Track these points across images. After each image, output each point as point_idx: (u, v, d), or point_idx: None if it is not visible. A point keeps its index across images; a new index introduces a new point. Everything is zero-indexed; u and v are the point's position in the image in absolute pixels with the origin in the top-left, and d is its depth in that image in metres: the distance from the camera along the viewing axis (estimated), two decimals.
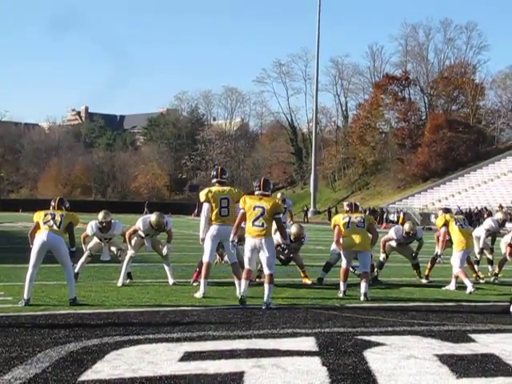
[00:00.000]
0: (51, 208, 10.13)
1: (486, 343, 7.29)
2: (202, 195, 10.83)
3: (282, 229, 10.59)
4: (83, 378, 5.59)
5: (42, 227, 9.77)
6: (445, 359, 6.41)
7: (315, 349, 6.81)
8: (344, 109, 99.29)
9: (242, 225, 10.65)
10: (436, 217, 13.75)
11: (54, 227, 9.72)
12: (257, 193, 10.34)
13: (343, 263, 11.39)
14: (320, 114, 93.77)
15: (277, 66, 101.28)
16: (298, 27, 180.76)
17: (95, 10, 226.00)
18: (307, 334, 7.56)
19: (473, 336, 7.67)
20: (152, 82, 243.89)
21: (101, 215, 12.24)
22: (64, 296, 9.89)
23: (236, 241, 10.34)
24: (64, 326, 7.85)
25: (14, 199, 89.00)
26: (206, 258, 10.74)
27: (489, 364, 6.30)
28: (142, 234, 12.25)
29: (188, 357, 6.32)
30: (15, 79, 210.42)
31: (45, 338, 7.07)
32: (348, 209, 11.98)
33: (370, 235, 11.49)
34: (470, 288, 11.77)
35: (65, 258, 9.72)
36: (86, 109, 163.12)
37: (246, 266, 10.16)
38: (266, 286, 9.92)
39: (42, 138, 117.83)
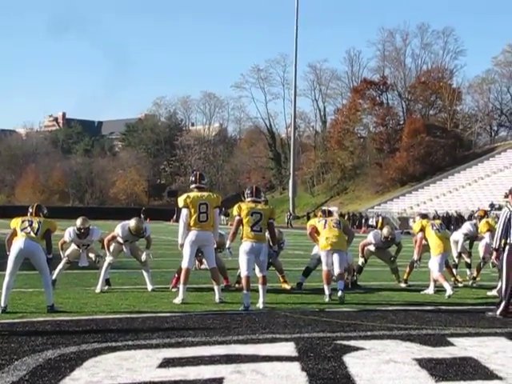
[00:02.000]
0: (29, 215, 10.06)
1: (464, 347, 7.33)
2: (181, 201, 10.84)
3: (273, 234, 10.83)
4: None
5: (19, 234, 9.69)
6: (424, 363, 6.43)
7: (295, 354, 6.80)
8: (322, 114, 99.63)
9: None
10: (414, 221, 13.83)
11: (32, 234, 9.66)
12: (249, 199, 10.54)
13: (324, 266, 11.46)
14: (298, 119, 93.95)
15: (255, 72, 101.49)
16: (276, 33, 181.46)
17: (74, 15, 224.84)
18: (286, 340, 7.55)
19: (451, 340, 7.70)
20: (130, 88, 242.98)
21: (79, 221, 12.17)
22: (42, 303, 9.81)
23: (231, 248, 10.55)
24: (41, 333, 7.78)
25: None
26: (184, 264, 10.74)
27: (467, 367, 6.32)
28: (121, 240, 12.19)
29: (167, 363, 6.30)
30: None
31: (22, 345, 7.01)
32: (322, 214, 12.37)
33: (346, 237, 11.76)
34: (449, 291, 11.83)
35: (42, 264, 9.64)
36: (64, 115, 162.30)
37: (244, 272, 10.24)
38: (261, 287, 10.21)
39: (19, 144, 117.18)
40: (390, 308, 10.43)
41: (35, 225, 9.78)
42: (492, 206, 50.90)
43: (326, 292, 11.27)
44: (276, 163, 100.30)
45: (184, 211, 10.74)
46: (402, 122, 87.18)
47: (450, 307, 10.66)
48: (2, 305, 9.33)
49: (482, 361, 6.61)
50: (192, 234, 10.65)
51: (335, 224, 11.73)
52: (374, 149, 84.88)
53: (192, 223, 10.64)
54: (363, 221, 61.12)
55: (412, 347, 7.22)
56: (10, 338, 7.47)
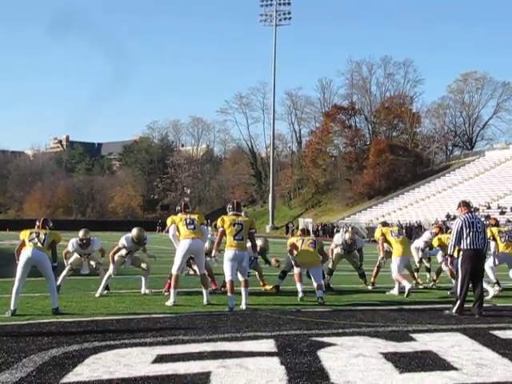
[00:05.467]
0: (36, 227, 9.99)
1: (424, 341, 7.34)
2: (168, 221, 11.16)
3: (254, 242, 10.95)
4: (65, 380, 5.51)
5: (27, 244, 9.63)
6: (389, 356, 6.44)
7: (274, 350, 6.78)
8: (298, 135, 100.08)
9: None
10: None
11: (38, 244, 9.59)
12: (231, 213, 10.64)
13: (295, 270, 11.59)
14: (277, 140, 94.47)
15: (238, 98, 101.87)
16: (257, 63, 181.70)
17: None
18: (267, 337, 7.53)
19: (413, 335, 7.71)
20: (127, 113, 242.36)
21: (81, 233, 12.10)
22: (47, 306, 9.73)
23: (217, 256, 10.67)
24: (47, 333, 7.71)
25: (2, 219, 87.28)
26: (174, 271, 10.72)
27: (427, 360, 6.33)
28: (124, 253, 12.12)
29: (160, 359, 6.26)
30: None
31: (29, 344, 6.95)
32: (301, 233, 12.44)
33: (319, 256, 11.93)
34: (407, 287, 11.93)
35: (48, 271, 9.57)
36: (67, 137, 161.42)
37: (228, 277, 10.23)
38: (244, 290, 10.25)
39: (27, 164, 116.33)
40: (359, 308, 10.43)
41: (42, 236, 9.72)
42: (448, 216, 51.23)
43: (299, 289, 11.36)
44: (257, 179, 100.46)
45: (172, 227, 11.02)
46: (368, 143, 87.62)
47: (413, 306, 10.68)
48: (12, 308, 9.24)
49: (440, 354, 6.62)
50: (186, 243, 10.67)
51: (311, 244, 11.87)
52: (344, 166, 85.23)
53: (183, 234, 10.74)
54: (334, 230, 61.16)
55: (379, 342, 7.23)
56: (19, 338, 7.39)
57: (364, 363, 6.19)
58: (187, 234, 10.74)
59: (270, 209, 79.88)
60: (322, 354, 6.58)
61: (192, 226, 10.80)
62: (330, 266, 13.72)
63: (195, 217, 11.02)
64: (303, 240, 11.97)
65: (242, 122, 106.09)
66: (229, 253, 10.27)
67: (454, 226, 10.12)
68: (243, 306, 10.10)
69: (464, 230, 9.90)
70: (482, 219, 10.67)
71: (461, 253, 9.96)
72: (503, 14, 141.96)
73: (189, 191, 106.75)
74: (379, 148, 79.92)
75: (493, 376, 5.81)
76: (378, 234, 13.36)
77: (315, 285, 11.38)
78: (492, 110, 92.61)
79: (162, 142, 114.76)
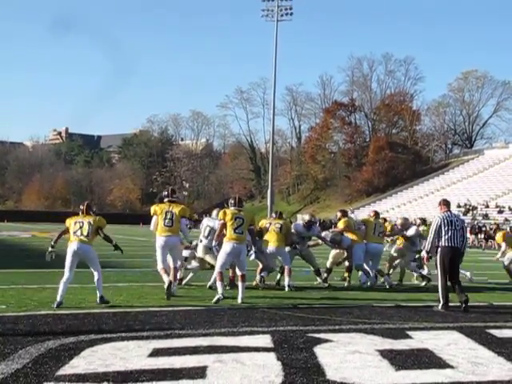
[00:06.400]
0: (80, 213, 10.13)
1: (421, 339, 7.35)
2: (151, 211, 11.16)
3: (254, 238, 11.11)
4: (61, 372, 5.51)
5: (72, 237, 9.81)
6: (385, 354, 6.45)
7: (271, 345, 6.79)
8: (298, 131, 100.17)
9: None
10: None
11: (83, 238, 9.73)
12: (232, 208, 10.72)
13: (217, 269, 11.14)
14: (276, 136, 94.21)
15: (238, 93, 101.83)
16: (257, 58, 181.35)
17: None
18: (264, 332, 7.54)
19: (410, 333, 7.72)
20: (127, 106, 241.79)
21: None
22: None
23: (217, 246, 10.72)
24: (43, 325, 7.72)
25: (0, 210, 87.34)
26: (159, 268, 10.84)
27: (423, 358, 6.35)
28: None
29: (156, 353, 6.26)
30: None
31: (26, 336, 6.95)
32: (274, 216, 13.09)
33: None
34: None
35: (94, 264, 9.83)
36: (67, 129, 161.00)
37: (218, 268, 10.41)
38: (241, 284, 10.34)
39: (26, 155, 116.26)
40: (356, 304, 10.44)
41: (85, 227, 9.82)
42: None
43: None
44: (256, 175, 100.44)
45: (153, 218, 11.09)
46: (368, 140, 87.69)
47: (409, 304, 10.68)
48: (58, 300, 9.29)
49: (436, 352, 6.64)
50: (160, 240, 10.79)
51: (277, 228, 12.50)
52: (343, 163, 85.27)
53: (159, 229, 10.82)
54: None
55: (375, 340, 7.23)
56: (15, 329, 7.40)
57: (360, 360, 6.20)
58: (162, 230, 10.79)
59: (269, 204, 79.53)
60: (319, 350, 6.58)
61: (169, 223, 10.80)
62: (328, 264, 13.67)
63: (176, 211, 10.89)
64: (270, 224, 12.65)
65: (242, 116, 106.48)
66: (227, 246, 10.38)
67: (433, 223, 10.42)
68: (239, 301, 10.14)
69: (443, 227, 10.22)
70: (462, 217, 10.85)
71: (439, 249, 10.22)
72: (504, 13, 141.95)
73: (187, 185, 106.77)
74: (379, 145, 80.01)
75: (488, 374, 5.82)
76: (342, 225, 13.52)
77: (286, 270, 12.09)
78: (492, 108, 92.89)
79: (162, 136, 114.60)
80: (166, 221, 10.79)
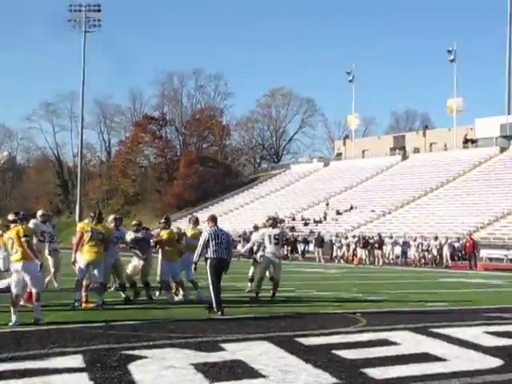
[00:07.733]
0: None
1: (233, 351, 7.53)
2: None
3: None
4: None
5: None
6: (199, 367, 6.54)
7: (82, 365, 6.64)
8: (107, 145, 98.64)
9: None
10: None
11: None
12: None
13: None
14: (85, 150, 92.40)
15: (44, 105, 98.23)
16: (65, 70, 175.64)
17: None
18: (75, 352, 7.33)
19: (223, 345, 7.88)
20: None
21: None
22: None
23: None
24: None
25: None
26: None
27: (237, 368, 6.53)
28: None
29: None
30: None
31: None
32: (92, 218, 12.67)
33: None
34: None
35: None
36: None
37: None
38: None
39: None
40: (170, 319, 10.47)
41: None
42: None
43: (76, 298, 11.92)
44: (63, 189, 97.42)
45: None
46: (178, 154, 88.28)
47: (222, 316, 10.89)
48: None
49: (248, 362, 6.85)
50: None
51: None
52: (154, 177, 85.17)
53: None
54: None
55: (189, 353, 7.31)
56: None
57: (175, 375, 6.24)
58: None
59: (77, 220, 77.67)
60: (133, 367, 6.54)
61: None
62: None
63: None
64: (93, 232, 12.06)
65: (48, 129, 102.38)
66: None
67: (202, 237, 11.60)
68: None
69: (210, 241, 11.35)
70: (226, 230, 12.20)
71: (208, 261, 11.34)
72: (309, 32, 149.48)
73: None
74: (189, 159, 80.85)
75: (297, 381, 6.13)
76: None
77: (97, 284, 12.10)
78: (297, 125, 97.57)
79: None
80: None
